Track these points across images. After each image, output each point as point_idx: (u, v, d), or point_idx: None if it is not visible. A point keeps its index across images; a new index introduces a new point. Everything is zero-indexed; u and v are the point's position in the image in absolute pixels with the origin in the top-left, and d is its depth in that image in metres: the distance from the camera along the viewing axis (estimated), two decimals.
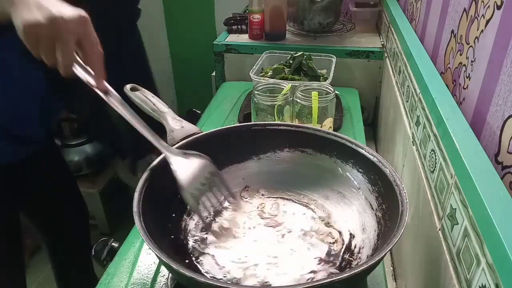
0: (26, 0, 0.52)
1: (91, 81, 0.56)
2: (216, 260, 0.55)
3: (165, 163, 0.57)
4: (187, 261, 0.54)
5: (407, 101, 0.84)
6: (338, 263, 0.54)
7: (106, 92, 0.56)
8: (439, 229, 0.54)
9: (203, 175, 0.58)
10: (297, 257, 0.55)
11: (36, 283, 1.67)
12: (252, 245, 0.57)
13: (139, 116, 0.57)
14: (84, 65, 0.56)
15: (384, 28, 1.34)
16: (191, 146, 0.61)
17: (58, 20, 0.51)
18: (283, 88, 0.84)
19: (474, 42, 0.58)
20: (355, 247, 0.56)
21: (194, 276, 0.41)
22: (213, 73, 1.42)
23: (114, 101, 0.56)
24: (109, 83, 0.57)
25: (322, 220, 0.61)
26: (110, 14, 0.81)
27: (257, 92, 0.84)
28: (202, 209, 0.58)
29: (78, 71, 0.56)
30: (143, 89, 0.68)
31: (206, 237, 0.59)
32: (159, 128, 0.61)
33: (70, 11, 0.52)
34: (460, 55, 0.64)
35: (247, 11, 1.36)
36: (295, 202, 0.65)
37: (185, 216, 0.61)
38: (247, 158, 0.69)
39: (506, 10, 0.49)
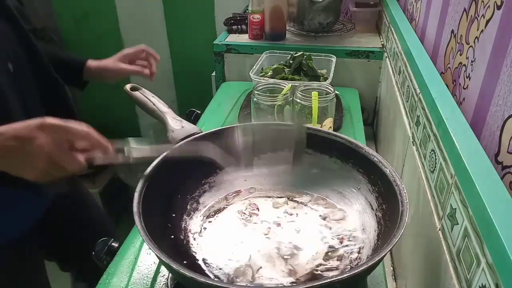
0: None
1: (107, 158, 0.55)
2: (216, 259, 0.55)
3: (165, 163, 0.57)
4: (185, 262, 0.54)
5: (407, 101, 0.84)
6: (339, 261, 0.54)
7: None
8: (439, 229, 0.54)
9: None
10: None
11: None
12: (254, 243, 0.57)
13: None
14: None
15: (384, 28, 1.34)
16: (191, 146, 0.61)
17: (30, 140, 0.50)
18: (283, 88, 0.84)
19: (474, 42, 0.58)
20: (355, 247, 0.56)
21: (194, 276, 0.41)
22: (213, 73, 1.42)
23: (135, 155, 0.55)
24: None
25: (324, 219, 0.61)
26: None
27: (257, 92, 0.84)
28: None
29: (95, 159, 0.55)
30: (143, 89, 0.68)
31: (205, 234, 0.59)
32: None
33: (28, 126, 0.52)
34: (460, 55, 0.64)
35: (247, 11, 1.36)
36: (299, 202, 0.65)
37: (185, 216, 0.61)
38: (247, 158, 0.69)
39: (506, 10, 0.49)
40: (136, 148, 0.55)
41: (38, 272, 0.92)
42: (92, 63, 0.94)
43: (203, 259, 0.55)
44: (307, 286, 0.40)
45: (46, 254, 1.00)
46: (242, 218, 0.62)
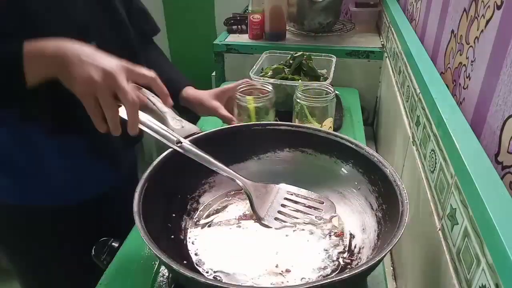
0: (72, 58, 0.54)
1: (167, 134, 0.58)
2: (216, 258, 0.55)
3: (165, 163, 0.57)
4: (185, 262, 0.54)
5: (407, 101, 0.84)
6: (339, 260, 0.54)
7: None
8: (439, 229, 0.54)
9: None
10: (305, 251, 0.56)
11: None
12: (254, 242, 0.57)
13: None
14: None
15: (384, 28, 1.34)
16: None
17: (112, 74, 0.53)
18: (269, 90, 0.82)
19: (474, 42, 0.58)
20: (355, 247, 0.56)
21: (194, 276, 0.41)
22: (213, 73, 1.42)
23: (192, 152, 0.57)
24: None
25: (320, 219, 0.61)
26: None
27: (238, 94, 0.81)
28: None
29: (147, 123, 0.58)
30: (143, 89, 0.68)
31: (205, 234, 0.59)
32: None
33: (116, 62, 0.54)
34: (460, 55, 0.64)
35: (247, 11, 1.36)
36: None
37: (185, 216, 0.61)
38: (247, 158, 0.69)
39: (506, 10, 0.49)
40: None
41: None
42: (189, 91, 0.88)
43: (203, 259, 0.55)
44: (307, 286, 0.40)
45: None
46: (243, 219, 0.62)
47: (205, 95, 0.86)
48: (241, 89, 0.82)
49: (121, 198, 0.89)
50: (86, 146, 0.76)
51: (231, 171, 0.59)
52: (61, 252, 0.84)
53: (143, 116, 0.58)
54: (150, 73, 0.59)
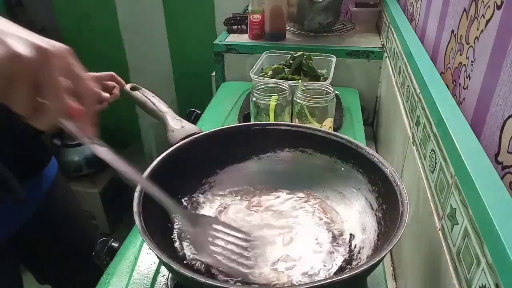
0: None
1: (79, 130, 0.43)
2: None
3: (165, 163, 0.57)
4: (185, 262, 0.54)
5: (407, 101, 0.84)
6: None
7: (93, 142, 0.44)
8: (439, 229, 0.54)
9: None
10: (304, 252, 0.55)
11: None
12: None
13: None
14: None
15: (384, 28, 1.34)
16: (191, 146, 0.61)
17: (46, 52, 0.38)
18: (285, 89, 0.84)
19: (474, 42, 0.58)
20: (355, 247, 0.56)
21: (194, 276, 0.41)
22: (213, 73, 1.42)
23: (104, 155, 0.45)
24: None
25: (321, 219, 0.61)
26: None
27: (255, 91, 0.83)
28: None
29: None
30: (143, 89, 0.68)
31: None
32: None
33: (56, 42, 0.40)
34: (460, 55, 0.64)
35: (247, 11, 1.36)
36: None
37: None
38: (247, 158, 0.69)
39: (506, 10, 0.49)
40: (106, 151, 0.46)
41: (14, 279, 0.87)
42: None
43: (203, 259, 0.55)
44: (307, 286, 0.40)
45: (23, 263, 0.95)
46: (243, 219, 0.62)
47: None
48: (257, 88, 0.84)
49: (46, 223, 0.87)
50: None
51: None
52: None
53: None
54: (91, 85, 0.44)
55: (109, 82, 0.86)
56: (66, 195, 0.97)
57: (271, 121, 0.81)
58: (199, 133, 0.64)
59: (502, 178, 0.44)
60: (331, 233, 0.59)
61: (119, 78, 0.87)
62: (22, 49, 0.37)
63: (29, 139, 0.81)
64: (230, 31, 1.43)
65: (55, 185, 0.91)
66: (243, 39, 1.37)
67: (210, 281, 0.42)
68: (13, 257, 0.86)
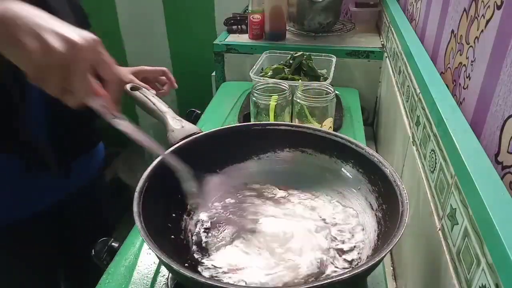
0: (24, 23, 0.43)
1: (103, 108, 0.49)
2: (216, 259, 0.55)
3: (165, 163, 0.57)
4: (186, 264, 0.54)
5: (407, 101, 0.84)
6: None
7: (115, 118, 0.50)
8: (439, 229, 0.54)
9: None
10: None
11: None
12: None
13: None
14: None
15: (384, 28, 1.34)
16: (191, 146, 0.61)
17: (76, 46, 0.44)
18: (284, 89, 0.84)
19: (474, 42, 0.58)
20: (355, 247, 0.56)
21: (194, 276, 0.41)
22: (213, 73, 1.42)
23: (125, 127, 0.50)
24: None
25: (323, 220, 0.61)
26: None
27: (255, 91, 0.83)
28: None
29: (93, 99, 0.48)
30: (143, 88, 0.68)
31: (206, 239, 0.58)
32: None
33: (87, 34, 0.45)
34: (460, 55, 0.64)
35: (247, 11, 1.36)
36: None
37: (185, 216, 0.61)
38: (247, 158, 0.69)
39: (506, 10, 0.49)
40: (129, 126, 0.51)
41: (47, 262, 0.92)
42: None
43: (203, 260, 0.55)
44: (307, 286, 0.40)
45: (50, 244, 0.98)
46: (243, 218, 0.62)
47: (124, 70, 0.91)
48: (257, 88, 0.84)
49: (83, 200, 0.93)
50: (20, 166, 0.74)
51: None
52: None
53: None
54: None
55: (162, 78, 0.95)
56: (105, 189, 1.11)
57: (271, 121, 0.82)
58: (199, 133, 0.64)
59: (502, 178, 0.44)
60: (331, 233, 0.59)
61: (170, 75, 0.94)
62: (56, 44, 0.42)
63: (82, 123, 0.86)
64: (230, 31, 1.43)
65: (101, 173, 1.04)
66: (243, 39, 1.37)
67: (210, 281, 0.42)
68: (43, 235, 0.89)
